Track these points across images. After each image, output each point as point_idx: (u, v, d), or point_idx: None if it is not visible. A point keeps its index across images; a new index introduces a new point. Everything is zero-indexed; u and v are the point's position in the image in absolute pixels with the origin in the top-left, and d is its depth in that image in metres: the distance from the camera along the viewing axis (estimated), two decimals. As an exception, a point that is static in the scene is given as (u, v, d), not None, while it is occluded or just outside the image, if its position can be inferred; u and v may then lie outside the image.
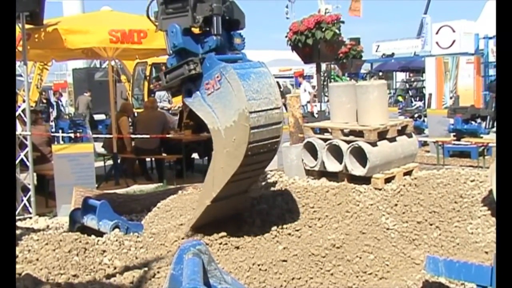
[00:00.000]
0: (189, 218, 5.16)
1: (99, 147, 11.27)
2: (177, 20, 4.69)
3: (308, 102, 22.16)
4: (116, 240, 5.09)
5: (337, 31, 8.61)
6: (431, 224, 5.18)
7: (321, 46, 8.18)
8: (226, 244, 4.92)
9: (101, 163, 10.52)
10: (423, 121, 13.82)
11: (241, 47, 4.93)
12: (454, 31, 19.87)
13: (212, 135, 4.65)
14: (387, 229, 5.11)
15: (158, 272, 4.34)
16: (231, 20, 4.86)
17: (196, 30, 4.80)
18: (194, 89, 4.72)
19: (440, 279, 3.67)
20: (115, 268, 4.65)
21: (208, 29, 4.70)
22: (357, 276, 4.53)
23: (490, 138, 10.38)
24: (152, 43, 8.44)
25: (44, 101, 20.28)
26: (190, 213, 5.65)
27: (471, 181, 5.79)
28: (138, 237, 5.26)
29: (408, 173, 6.29)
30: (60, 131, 14.70)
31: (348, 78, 17.46)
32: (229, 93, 4.45)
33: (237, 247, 4.85)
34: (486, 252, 4.33)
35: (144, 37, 8.26)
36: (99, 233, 5.37)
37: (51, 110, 20.18)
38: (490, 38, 26.21)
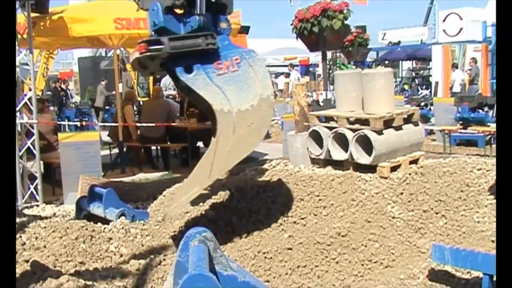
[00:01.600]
0: (169, 204, 4.76)
1: (104, 136, 11.30)
2: None
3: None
4: (122, 228, 5.11)
5: (345, 21, 8.55)
6: (437, 213, 5.17)
7: (327, 34, 8.12)
8: (232, 232, 4.94)
9: (107, 152, 10.54)
10: (430, 109, 13.76)
11: (227, 32, 4.75)
12: (461, 18, 19.74)
13: (218, 117, 4.41)
14: (393, 217, 5.10)
15: (164, 259, 4.35)
16: (218, 3, 4.69)
17: (180, 11, 4.61)
18: (197, 66, 4.48)
19: (446, 268, 3.67)
20: (121, 255, 4.68)
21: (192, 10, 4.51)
22: (362, 265, 4.53)
23: (497, 127, 10.31)
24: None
25: (59, 89, 20.27)
26: (196, 201, 5.66)
27: (478, 169, 5.76)
28: (144, 225, 5.28)
29: (414, 161, 6.27)
30: (66, 119, 14.72)
31: (354, 67, 17.37)
32: (250, 77, 4.41)
33: (243, 235, 4.86)
34: (493, 241, 4.32)
35: None
36: (105, 221, 5.39)
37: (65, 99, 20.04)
38: (498, 26, 25.96)
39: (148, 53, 4.27)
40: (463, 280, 3.57)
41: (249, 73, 4.41)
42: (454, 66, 19.11)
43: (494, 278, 3.05)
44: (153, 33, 4.60)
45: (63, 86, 21.93)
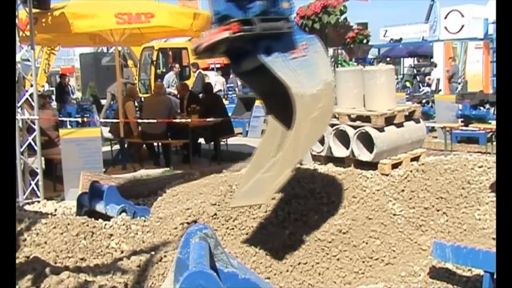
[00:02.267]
0: (265, 192, 4.51)
1: (106, 132, 11.30)
2: None
3: None
4: (123, 224, 5.12)
5: (341, 16, 8.54)
6: (438, 210, 5.17)
7: (328, 31, 8.11)
8: (232, 229, 4.94)
9: (108, 148, 10.55)
10: (431, 106, 13.73)
11: (289, 12, 4.58)
12: (463, 15, 19.69)
13: (296, 100, 4.37)
14: (394, 214, 5.10)
15: (165, 256, 4.36)
16: None
17: None
18: (275, 48, 4.45)
19: (447, 265, 3.67)
20: (122, 251, 4.68)
21: None
22: (363, 262, 4.53)
23: (498, 124, 10.29)
24: (161, 21, 8.42)
25: (64, 85, 20.27)
26: (197, 198, 5.67)
27: (479, 167, 5.76)
28: (145, 221, 5.29)
29: (416, 158, 6.26)
30: (68, 115, 14.72)
31: (355, 63, 17.35)
32: (315, 63, 4.50)
33: (244, 232, 4.86)
34: (494, 239, 4.31)
35: (151, 17, 8.23)
36: (106, 217, 5.40)
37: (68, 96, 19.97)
38: (500, 23, 25.90)
39: (241, 33, 4.23)
40: (464, 278, 3.57)
41: (314, 59, 4.50)
42: (433, 65, 19.17)
43: (495, 276, 3.05)
44: (215, 20, 4.51)
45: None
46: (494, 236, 4.35)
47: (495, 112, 10.72)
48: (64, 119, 13.03)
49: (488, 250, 3.23)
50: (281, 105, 4.70)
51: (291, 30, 4.46)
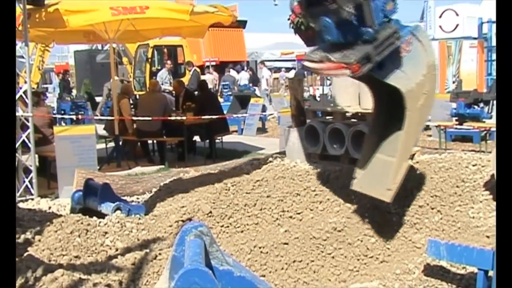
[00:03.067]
0: (385, 188, 4.77)
1: (100, 129, 11.27)
2: None
3: (266, 89, 22.41)
4: (118, 222, 5.10)
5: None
6: (432, 208, 5.18)
7: (324, 29, 8.08)
8: (228, 226, 4.94)
9: (103, 145, 10.52)
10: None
11: (393, 13, 4.62)
12: (457, 14, 19.71)
13: (407, 98, 4.58)
14: (388, 213, 5.11)
15: (159, 253, 4.35)
16: None
17: None
18: (387, 61, 4.56)
19: (441, 263, 3.68)
20: (116, 249, 4.67)
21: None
22: (358, 259, 4.54)
23: (493, 123, 10.34)
24: (156, 13, 8.39)
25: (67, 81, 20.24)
26: (192, 196, 5.66)
27: (473, 165, 5.77)
28: (139, 219, 5.27)
29: (410, 157, 6.26)
30: (62, 112, 14.67)
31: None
32: (419, 51, 4.66)
33: (239, 230, 4.86)
34: (488, 237, 4.33)
35: (146, 8, 8.19)
36: (101, 215, 5.38)
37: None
38: (494, 22, 26.00)
39: (361, 74, 4.41)
40: (458, 275, 3.58)
41: (418, 47, 4.65)
42: None
43: (489, 274, 3.06)
44: (328, 47, 4.65)
45: (56, 79, 21.90)
46: (488, 234, 4.37)
47: (490, 110, 10.76)
48: (59, 116, 12.99)
49: (482, 248, 3.24)
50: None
51: (399, 36, 4.49)
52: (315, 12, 4.72)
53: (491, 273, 3.03)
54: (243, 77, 22.74)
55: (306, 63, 4.87)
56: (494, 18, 22.21)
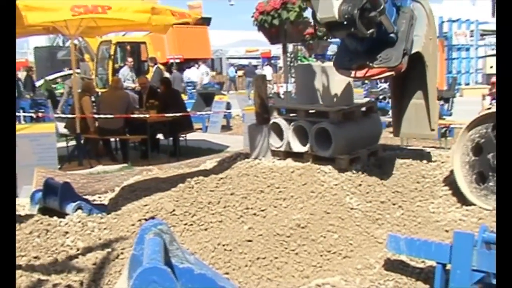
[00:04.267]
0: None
1: (61, 128, 11.07)
2: None
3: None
4: (79, 221, 5.02)
5: (302, 12, 8.58)
6: (394, 204, 5.27)
7: (287, 27, 8.14)
8: (191, 224, 4.91)
9: (63, 144, 10.33)
10: (388, 102, 13.96)
11: (401, 1, 5.22)
12: (418, 14, 20.05)
13: (424, 53, 5.24)
14: (351, 208, 5.16)
15: (122, 253, 4.31)
16: None
17: None
18: None
19: (401, 257, 3.74)
20: (77, 249, 4.59)
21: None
22: (321, 255, 4.57)
23: (452, 120, 10.58)
24: (118, 14, 8.28)
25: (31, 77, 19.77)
26: (155, 194, 5.61)
27: (433, 161, 5.90)
28: (101, 218, 5.20)
29: (373, 154, 6.36)
30: (21, 110, 14.33)
31: (314, 59, 17.47)
32: (421, 8, 5.31)
33: (202, 228, 4.84)
34: (447, 231, 4.43)
35: (109, 8, 8.08)
36: (61, 215, 5.28)
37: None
38: (454, 21, 26.60)
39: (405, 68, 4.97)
40: (417, 269, 3.64)
41: (419, 7, 5.31)
42: None
43: (447, 267, 3.13)
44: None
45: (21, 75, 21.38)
46: (447, 228, 4.47)
47: (449, 107, 10.99)
48: (18, 114, 12.70)
49: (440, 242, 3.31)
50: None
51: (415, 17, 5.13)
52: (338, 34, 5.07)
53: (449, 266, 3.10)
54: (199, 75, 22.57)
55: (343, 72, 5.28)
56: (454, 17, 22.66)
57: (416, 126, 5.75)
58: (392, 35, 4.81)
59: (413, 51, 5.05)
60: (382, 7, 4.55)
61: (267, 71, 26.81)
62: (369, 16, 4.55)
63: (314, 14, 4.91)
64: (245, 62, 39.67)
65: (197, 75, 22.64)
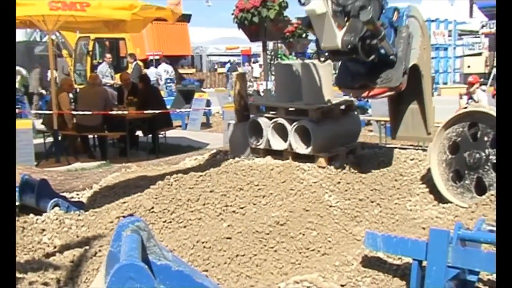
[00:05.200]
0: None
1: (38, 124, 10.93)
2: None
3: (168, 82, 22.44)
4: (56, 219, 4.97)
5: (282, 10, 8.59)
6: (372, 202, 5.31)
7: (267, 25, 8.13)
8: (170, 222, 4.89)
9: (40, 140, 10.21)
10: (367, 101, 14.04)
11: (398, 22, 5.38)
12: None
13: (419, 64, 5.43)
14: (330, 206, 5.20)
15: (99, 250, 4.27)
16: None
17: None
18: None
19: (378, 254, 3.78)
20: (55, 247, 4.55)
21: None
22: (300, 253, 4.59)
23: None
24: (97, 12, 8.20)
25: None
26: (134, 191, 5.58)
27: (411, 159, 5.96)
28: (79, 215, 5.15)
29: (352, 151, 6.41)
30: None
31: (294, 57, 17.50)
32: (415, 22, 5.41)
33: (182, 225, 4.83)
34: (423, 228, 4.48)
35: (87, 6, 8.01)
36: (38, 212, 5.22)
37: None
38: (432, 21, 26.86)
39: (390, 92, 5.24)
40: (394, 266, 3.68)
41: (414, 22, 5.42)
42: None
43: (423, 263, 3.17)
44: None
45: None
46: (424, 225, 4.52)
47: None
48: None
49: (416, 239, 3.35)
50: None
51: (412, 35, 5.29)
52: (341, 59, 5.35)
53: (425, 263, 3.14)
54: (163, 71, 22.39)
55: (346, 90, 5.61)
56: (432, 17, 22.80)
57: (413, 130, 5.96)
58: (392, 57, 5.00)
59: (410, 65, 5.23)
60: (382, 34, 4.74)
61: (256, 68, 26.83)
62: (370, 43, 4.77)
63: (317, 42, 5.12)
64: (225, 59, 39.60)
65: (154, 74, 22.45)
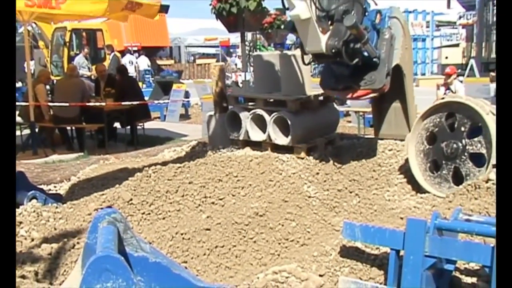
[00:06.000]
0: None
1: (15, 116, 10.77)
2: None
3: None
4: (34, 211, 4.90)
5: (261, 1, 8.56)
6: (350, 192, 5.35)
7: (245, 15, 8.11)
8: (149, 213, 4.87)
9: (17, 132, 10.06)
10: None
11: (381, 24, 5.42)
12: (376, 4, 20.32)
13: (401, 64, 5.50)
14: (309, 197, 5.22)
15: (78, 242, 4.24)
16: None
17: None
18: None
19: (356, 244, 3.80)
20: (32, 239, 4.49)
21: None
22: (279, 243, 4.62)
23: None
24: (72, 8, 8.09)
25: None
26: (112, 183, 5.54)
27: (389, 150, 6.01)
28: (57, 208, 5.09)
29: (330, 142, 6.44)
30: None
31: (273, 48, 17.48)
32: (397, 23, 5.45)
33: (160, 217, 4.81)
34: (401, 218, 4.52)
35: (62, 2, 7.91)
36: (15, 205, 5.15)
37: None
38: (410, 12, 27.06)
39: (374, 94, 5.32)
40: (372, 256, 3.71)
41: (397, 23, 5.45)
42: None
43: (401, 253, 3.20)
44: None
45: None
46: (402, 215, 4.57)
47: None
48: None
49: (394, 229, 3.37)
50: None
51: (395, 37, 5.34)
52: (324, 61, 5.39)
53: (402, 252, 3.17)
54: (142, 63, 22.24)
55: (330, 92, 5.63)
56: (410, 8, 22.88)
57: (395, 128, 6.14)
58: (375, 59, 5.04)
59: (392, 65, 5.29)
60: (366, 38, 4.79)
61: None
62: (354, 47, 4.83)
63: (301, 45, 5.18)
64: (203, 50, 39.38)
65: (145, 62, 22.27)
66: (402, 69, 5.61)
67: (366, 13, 5.14)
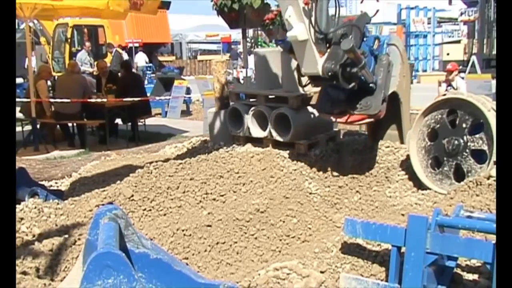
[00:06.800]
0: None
1: (16, 112, 10.77)
2: None
3: None
4: (35, 207, 4.91)
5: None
6: (352, 189, 5.35)
7: (247, 12, 8.08)
8: (150, 210, 4.87)
9: (19, 129, 10.07)
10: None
11: (379, 51, 5.40)
12: (377, 0, 20.31)
13: (398, 91, 5.58)
14: (310, 193, 5.22)
15: (79, 239, 4.24)
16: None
17: None
18: None
19: (357, 240, 3.80)
20: (33, 235, 4.49)
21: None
22: (280, 240, 4.62)
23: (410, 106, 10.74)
24: (73, 1, 8.09)
25: None
26: (113, 179, 5.54)
27: (386, 147, 6.00)
28: (58, 204, 5.09)
29: (331, 139, 6.43)
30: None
31: (274, 45, 17.45)
32: (395, 50, 5.53)
33: (162, 213, 4.81)
34: (403, 214, 4.52)
35: None
36: (17, 201, 5.15)
37: None
38: (412, 8, 27.04)
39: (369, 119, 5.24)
40: (373, 252, 3.71)
41: (395, 50, 5.52)
42: None
43: (402, 250, 3.20)
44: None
45: None
46: (403, 212, 4.57)
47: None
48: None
49: (395, 226, 3.37)
50: None
51: (392, 64, 5.33)
52: (321, 84, 5.37)
53: (404, 249, 3.17)
54: (140, 59, 22.21)
55: (326, 116, 5.50)
56: (412, 5, 22.95)
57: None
58: (371, 84, 5.02)
59: (389, 92, 5.29)
60: (363, 63, 4.75)
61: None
62: (350, 71, 4.79)
63: (298, 67, 5.19)
64: (205, 46, 39.33)
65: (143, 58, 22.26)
66: (399, 97, 5.62)
67: (365, 39, 5.12)
